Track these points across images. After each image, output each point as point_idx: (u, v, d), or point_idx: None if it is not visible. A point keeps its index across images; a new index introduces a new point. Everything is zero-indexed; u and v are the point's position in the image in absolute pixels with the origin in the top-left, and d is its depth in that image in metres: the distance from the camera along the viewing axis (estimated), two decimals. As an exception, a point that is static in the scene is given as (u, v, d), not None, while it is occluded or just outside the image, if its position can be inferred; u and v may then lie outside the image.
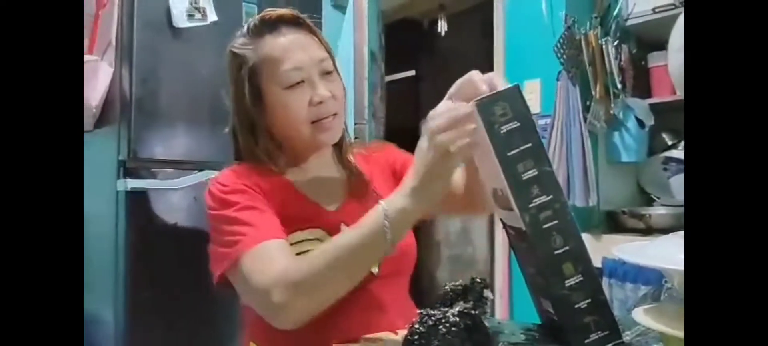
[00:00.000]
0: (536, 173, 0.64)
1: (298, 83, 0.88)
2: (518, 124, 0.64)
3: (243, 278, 0.80)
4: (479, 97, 0.67)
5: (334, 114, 0.91)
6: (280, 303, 0.75)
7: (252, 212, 0.84)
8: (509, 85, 0.66)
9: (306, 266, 0.76)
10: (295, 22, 0.92)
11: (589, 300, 0.64)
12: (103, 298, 1.82)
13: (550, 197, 0.64)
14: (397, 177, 1.02)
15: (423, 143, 0.70)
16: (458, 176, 0.95)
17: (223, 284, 0.86)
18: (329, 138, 0.93)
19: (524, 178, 0.64)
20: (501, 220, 0.77)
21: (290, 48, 0.89)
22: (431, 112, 0.70)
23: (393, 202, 0.73)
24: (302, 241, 0.87)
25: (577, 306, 0.64)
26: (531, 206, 0.64)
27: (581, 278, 0.64)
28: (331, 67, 0.92)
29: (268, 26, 0.91)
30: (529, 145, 0.64)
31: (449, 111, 0.68)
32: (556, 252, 0.64)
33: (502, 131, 0.64)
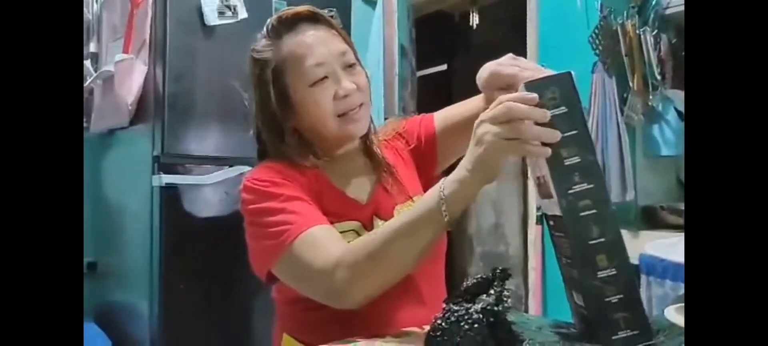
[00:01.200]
0: (579, 160, 0.63)
1: (322, 79, 0.89)
2: (566, 109, 0.64)
3: (298, 265, 0.81)
4: (530, 80, 0.67)
5: (361, 105, 0.91)
6: (344, 284, 0.77)
7: (295, 202, 0.85)
8: (561, 72, 0.66)
9: (368, 246, 0.78)
10: (312, 19, 0.92)
11: (621, 296, 0.62)
12: (138, 291, 1.87)
13: (591, 186, 0.63)
14: (416, 154, 1.04)
15: (479, 129, 0.70)
16: None
17: (270, 279, 0.86)
18: (357, 129, 0.93)
19: (566, 163, 0.63)
20: (543, 213, 0.76)
21: (311, 44, 0.89)
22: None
23: (449, 178, 0.74)
24: (341, 233, 0.87)
25: (607, 300, 0.62)
26: (570, 192, 0.63)
27: (615, 272, 0.62)
28: (353, 59, 0.92)
29: (286, 26, 0.91)
30: (575, 132, 0.64)
31: (508, 105, 0.67)
32: (591, 242, 0.63)
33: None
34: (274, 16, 0.93)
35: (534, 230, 2.26)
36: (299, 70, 0.89)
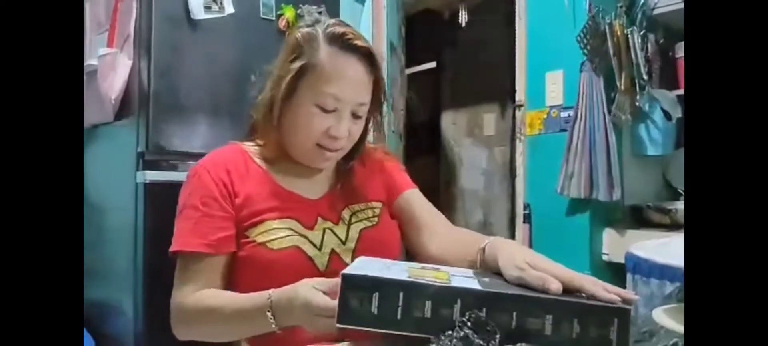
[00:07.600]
0: None
1: (328, 110, 0.91)
2: None
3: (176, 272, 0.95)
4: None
5: (340, 150, 0.95)
6: (173, 324, 0.96)
7: (202, 209, 0.93)
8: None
9: (196, 315, 0.91)
10: (367, 58, 0.92)
11: None
12: (122, 289, 1.84)
13: None
14: (386, 188, 1.05)
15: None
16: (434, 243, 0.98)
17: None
18: (324, 166, 0.98)
19: None
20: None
21: (343, 77, 0.90)
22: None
23: (279, 292, 0.78)
24: (274, 229, 0.90)
25: None
26: None
27: None
28: (364, 112, 0.95)
29: (343, 43, 0.91)
30: None
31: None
32: None
33: None
34: (344, 28, 0.92)
35: (521, 229, 2.27)
36: (318, 85, 0.90)
